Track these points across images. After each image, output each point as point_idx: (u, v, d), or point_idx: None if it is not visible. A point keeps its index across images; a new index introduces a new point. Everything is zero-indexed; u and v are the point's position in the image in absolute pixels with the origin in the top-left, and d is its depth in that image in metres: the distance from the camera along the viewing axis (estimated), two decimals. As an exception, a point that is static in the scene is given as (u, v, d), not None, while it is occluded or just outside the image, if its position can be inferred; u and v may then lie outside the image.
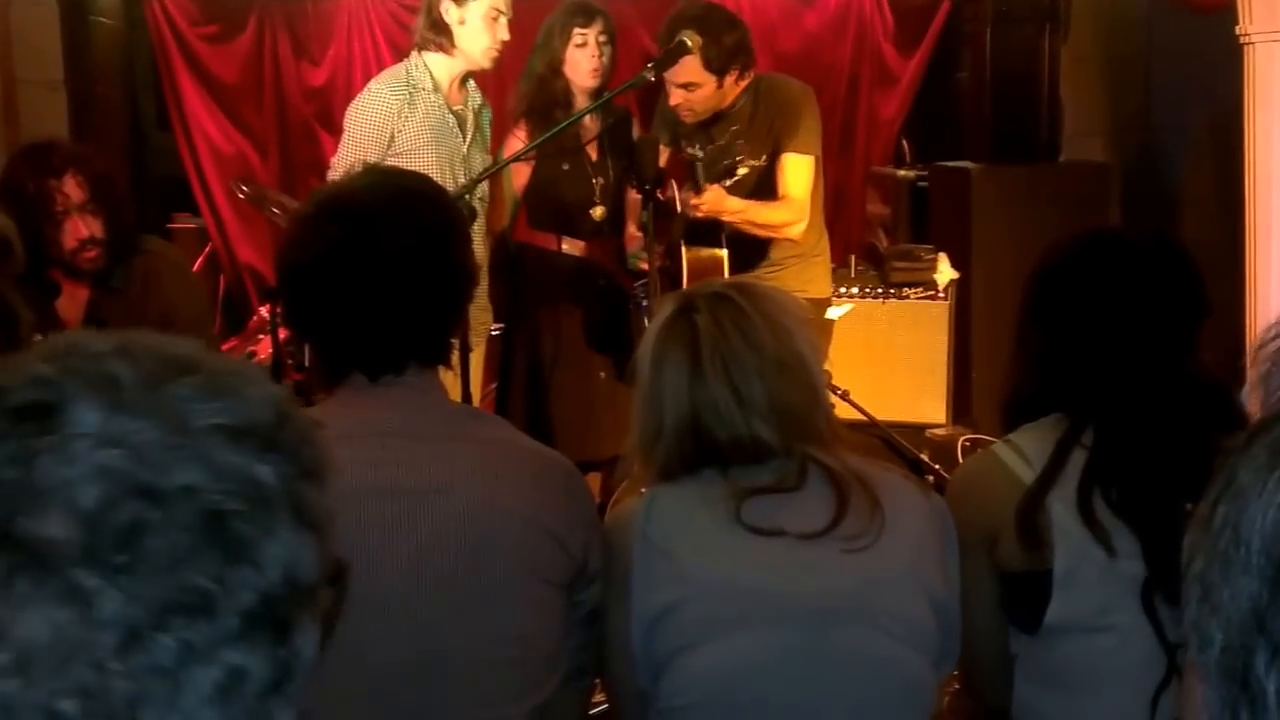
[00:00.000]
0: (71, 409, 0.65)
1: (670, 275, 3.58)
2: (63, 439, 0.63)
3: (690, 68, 3.56)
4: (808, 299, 3.77)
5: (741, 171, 3.68)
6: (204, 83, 5.84)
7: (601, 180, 3.92)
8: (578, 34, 3.82)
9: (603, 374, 3.88)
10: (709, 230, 3.65)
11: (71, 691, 0.60)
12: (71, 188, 2.91)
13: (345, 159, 3.54)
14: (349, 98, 4.09)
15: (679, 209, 3.70)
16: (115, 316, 2.98)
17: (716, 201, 3.59)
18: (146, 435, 0.64)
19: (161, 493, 0.63)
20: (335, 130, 5.40)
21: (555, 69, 3.85)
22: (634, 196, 3.81)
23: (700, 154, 3.83)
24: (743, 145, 3.73)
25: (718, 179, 3.65)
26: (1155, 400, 1.84)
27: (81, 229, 2.92)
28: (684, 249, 3.64)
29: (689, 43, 3.48)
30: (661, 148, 3.98)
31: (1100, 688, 1.80)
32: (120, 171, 4.26)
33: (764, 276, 3.69)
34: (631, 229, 3.95)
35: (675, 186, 3.79)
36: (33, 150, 3.04)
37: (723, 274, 3.59)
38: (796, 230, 3.74)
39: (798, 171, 3.70)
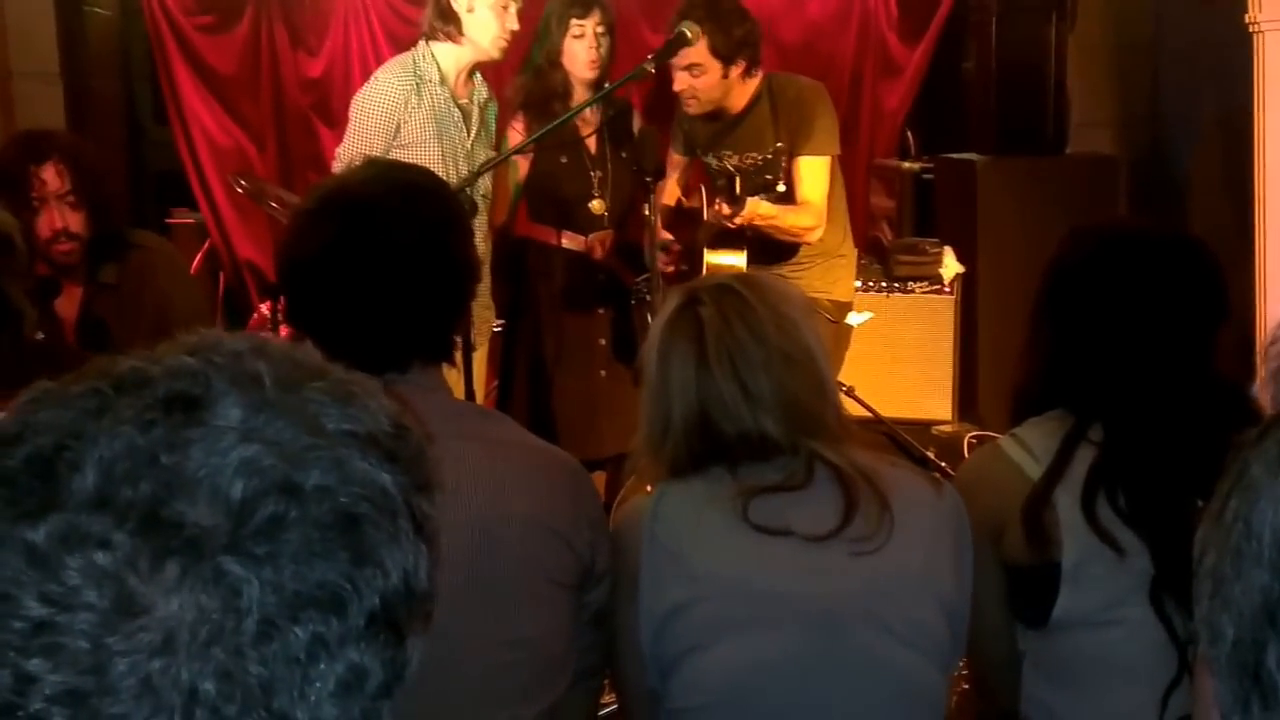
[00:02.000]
0: (217, 403, 0.67)
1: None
2: (209, 430, 0.66)
3: (697, 50, 3.55)
4: (830, 300, 3.76)
5: (781, 188, 3.66)
6: (200, 74, 5.80)
7: (600, 173, 3.89)
8: (575, 25, 3.80)
9: (603, 372, 3.85)
10: (732, 233, 3.64)
11: (211, 673, 0.62)
12: (51, 175, 2.84)
13: (350, 149, 3.50)
14: (347, 89, 4.07)
15: (705, 217, 3.68)
16: (111, 313, 2.94)
17: (752, 210, 3.57)
18: (286, 434, 0.67)
19: (301, 489, 0.66)
20: (333, 123, 5.38)
21: (553, 60, 3.83)
22: (664, 203, 3.79)
23: (715, 162, 3.82)
24: (785, 159, 3.72)
25: (755, 192, 3.63)
26: (1171, 402, 1.81)
27: (56, 219, 2.85)
28: (706, 256, 3.62)
29: (689, 33, 3.48)
30: (676, 157, 3.96)
31: (1110, 683, 1.78)
32: (117, 166, 4.22)
33: (788, 276, 3.69)
34: (663, 234, 3.92)
35: (704, 195, 3.77)
36: (27, 135, 3.01)
37: None
38: (816, 235, 3.74)
39: (813, 175, 3.69)
